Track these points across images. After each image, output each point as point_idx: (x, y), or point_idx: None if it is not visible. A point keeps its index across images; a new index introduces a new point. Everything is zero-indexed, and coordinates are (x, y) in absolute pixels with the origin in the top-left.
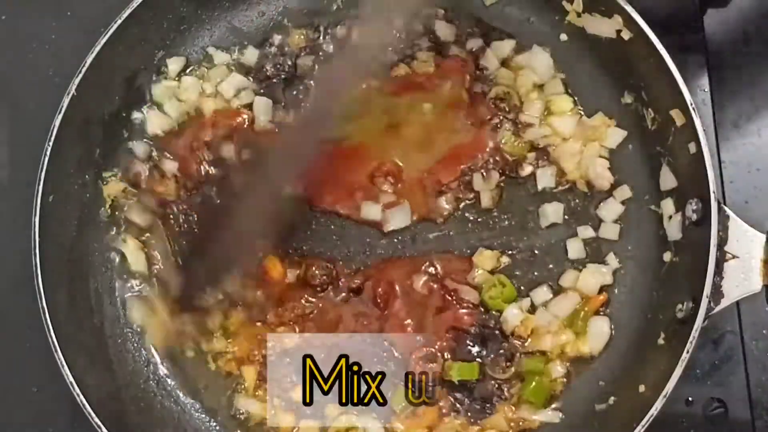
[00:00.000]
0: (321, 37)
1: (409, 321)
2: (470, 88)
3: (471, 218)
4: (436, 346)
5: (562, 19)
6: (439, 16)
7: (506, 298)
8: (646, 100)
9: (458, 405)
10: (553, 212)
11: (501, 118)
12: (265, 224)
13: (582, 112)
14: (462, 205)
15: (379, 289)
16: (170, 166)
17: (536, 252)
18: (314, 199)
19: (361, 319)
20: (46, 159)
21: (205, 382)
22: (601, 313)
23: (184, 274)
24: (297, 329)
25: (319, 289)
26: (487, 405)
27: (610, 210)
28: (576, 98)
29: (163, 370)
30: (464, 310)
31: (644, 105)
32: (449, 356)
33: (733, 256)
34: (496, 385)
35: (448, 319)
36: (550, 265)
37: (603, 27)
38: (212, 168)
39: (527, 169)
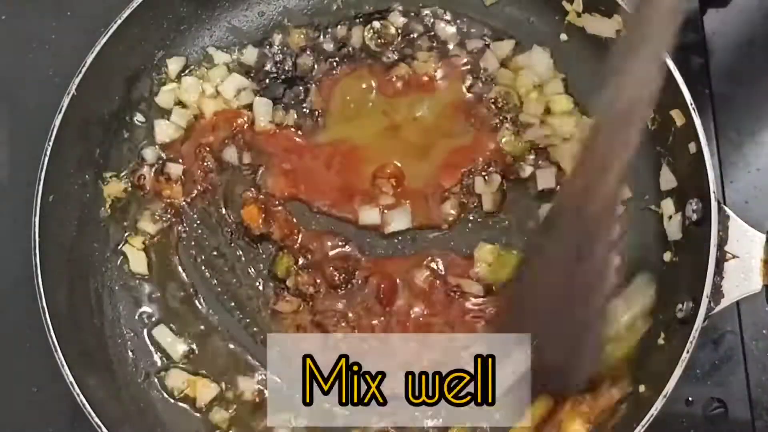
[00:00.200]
0: (321, 37)
1: (414, 318)
2: (470, 89)
3: (471, 218)
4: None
5: (562, 19)
6: (439, 16)
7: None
8: None
9: None
10: None
11: (501, 118)
12: None
13: (582, 112)
14: (467, 209)
15: (382, 286)
16: (176, 169)
17: None
18: (312, 202)
19: (365, 315)
20: (46, 159)
21: None
22: None
23: None
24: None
25: (341, 287)
26: None
27: None
28: (576, 98)
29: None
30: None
31: None
32: None
33: (733, 256)
34: None
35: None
36: None
37: (603, 27)
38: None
39: (527, 170)
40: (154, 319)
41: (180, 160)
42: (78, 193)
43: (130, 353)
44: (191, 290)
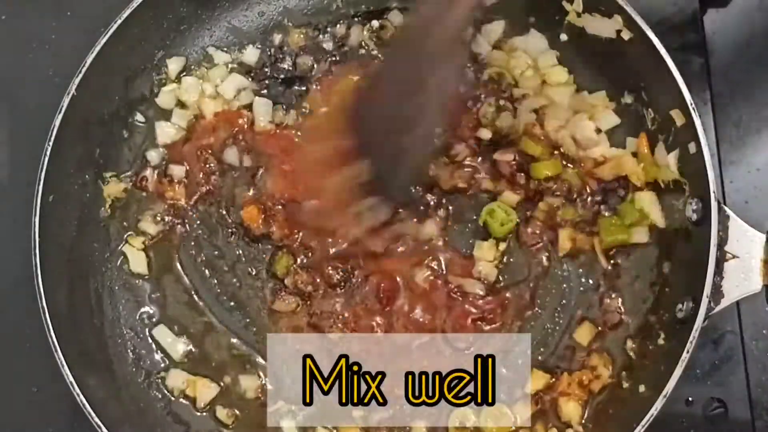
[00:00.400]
0: (321, 37)
1: (415, 318)
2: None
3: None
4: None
5: (562, 19)
6: None
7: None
8: (646, 100)
9: None
10: None
11: (495, 98)
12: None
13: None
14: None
15: (382, 285)
16: (179, 171)
17: None
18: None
19: (365, 315)
20: (46, 159)
21: None
22: None
23: None
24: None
25: (340, 287)
26: None
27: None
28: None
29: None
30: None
31: (644, 105)
32: None
33: (733, 256)
34: None
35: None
36: None
37: (603, 27)
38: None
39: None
40: (154, 319)
41: (183, 162)
42: (78, 193)
43: (130, 353)
44: (191, 290)
